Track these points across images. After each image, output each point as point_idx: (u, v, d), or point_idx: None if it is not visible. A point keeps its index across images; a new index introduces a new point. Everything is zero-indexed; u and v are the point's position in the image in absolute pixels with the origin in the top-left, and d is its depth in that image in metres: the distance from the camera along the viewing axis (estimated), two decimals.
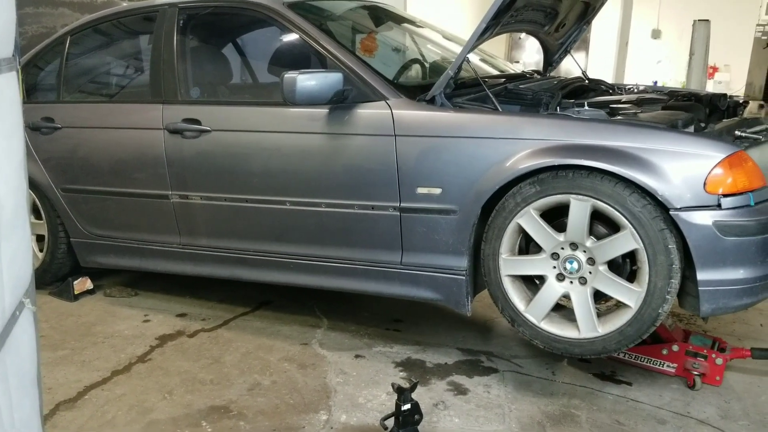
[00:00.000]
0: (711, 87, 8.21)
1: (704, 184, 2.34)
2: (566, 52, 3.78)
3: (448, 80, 2.74)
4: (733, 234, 2.33)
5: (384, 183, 2.81)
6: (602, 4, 3.67)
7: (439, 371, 3.03)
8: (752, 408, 2.72)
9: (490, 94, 2.74)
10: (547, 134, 2.53)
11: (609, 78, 7.92)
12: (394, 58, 3.77)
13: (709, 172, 2.33)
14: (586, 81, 3.63)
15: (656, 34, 8.92)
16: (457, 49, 3.85)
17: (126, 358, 3.15)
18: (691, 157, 2.36)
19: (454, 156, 2.67)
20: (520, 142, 2.56)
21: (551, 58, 3.74)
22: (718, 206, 2.33)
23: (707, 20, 5.93)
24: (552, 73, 3.88)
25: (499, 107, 2.71)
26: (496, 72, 3.70)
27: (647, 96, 3.10)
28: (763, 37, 7.78)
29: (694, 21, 6.03)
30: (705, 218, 2.33)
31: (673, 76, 8.74)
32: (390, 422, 2.38)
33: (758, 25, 7.96)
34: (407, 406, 2.30)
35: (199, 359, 3.15)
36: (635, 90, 3.54)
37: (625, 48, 7.78)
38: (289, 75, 2.71)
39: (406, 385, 2.34)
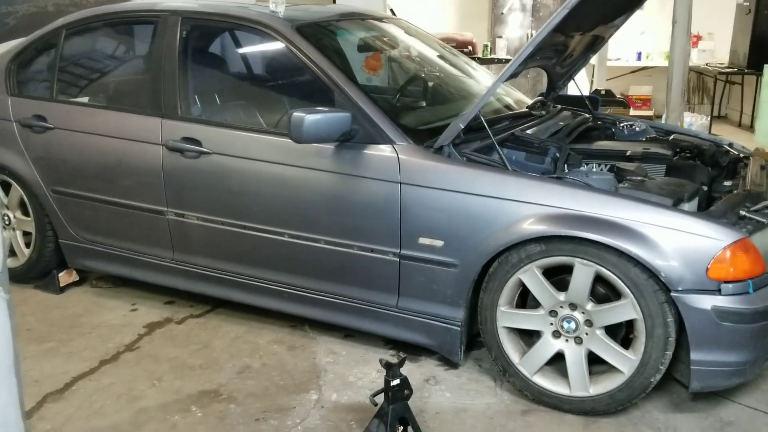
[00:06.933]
0: (695, 56, 8.17)
1: (707, 269, 2.34)
2: (570, 78, 3.76)
3: (457, 132, 2.69)
4: (730, 320, 2.34)
5: (386, 228, 2.76)
6: (611, 35, 3.64)
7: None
8: None
9: (499, 150, 2.70)
10: (556, 201, 2.50)
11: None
12: (399, 79, 3.69)
13: (713, 258, 2.33)
14: (590, 121, 3.61)
15: None
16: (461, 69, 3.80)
17: (114, 347, 3.13)
18: (696, 240, 2.36)
19: (459, 211, 2.63)
20: (528, 206, 2.53)
21: (555, 85, 3.71)
22: (718, 291, 2.34)
23: None
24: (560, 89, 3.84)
25: (508, 165, 2.66)
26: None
27: (651, 150, 3.08)
28: (746, 3, 7.75)
29: None
30: (704, 302, 2.34)
31: (657, 47, 8.69)
32: (380, 398, 2.37)
33: None
34: (396, 382, 2.29)
35: (188, 345, 3.13)
36: (636, 128, 3.51)
37: None
38: (297, 114, 2.61)
39: (394, 360, 2.32)
